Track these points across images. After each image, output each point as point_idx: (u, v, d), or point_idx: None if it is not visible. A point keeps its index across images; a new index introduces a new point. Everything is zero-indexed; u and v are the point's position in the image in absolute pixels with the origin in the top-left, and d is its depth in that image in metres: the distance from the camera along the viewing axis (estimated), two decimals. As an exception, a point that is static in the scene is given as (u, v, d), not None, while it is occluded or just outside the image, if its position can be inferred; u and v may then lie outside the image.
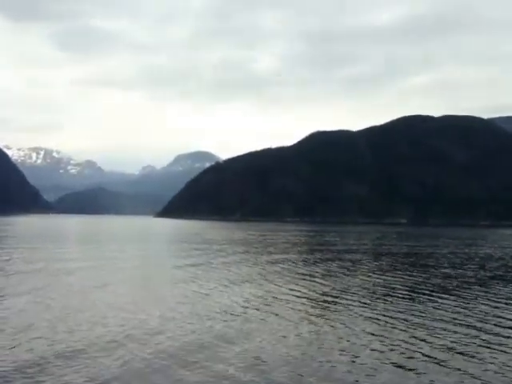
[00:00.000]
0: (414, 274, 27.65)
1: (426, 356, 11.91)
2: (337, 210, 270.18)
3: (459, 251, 46.48)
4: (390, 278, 25.25)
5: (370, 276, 26.10)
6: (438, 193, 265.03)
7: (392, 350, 12.37)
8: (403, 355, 11.96)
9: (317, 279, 24.47)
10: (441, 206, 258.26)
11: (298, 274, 26.65)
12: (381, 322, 15.15)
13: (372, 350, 12.36)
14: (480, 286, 23.29)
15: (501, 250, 50.41)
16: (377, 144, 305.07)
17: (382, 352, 12.17)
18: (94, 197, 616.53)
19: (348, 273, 27.38)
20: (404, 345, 12.77)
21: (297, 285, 22.40)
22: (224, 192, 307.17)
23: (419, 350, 12.33)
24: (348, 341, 13.07)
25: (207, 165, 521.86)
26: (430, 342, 13.05)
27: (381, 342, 13.05)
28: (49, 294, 18.74)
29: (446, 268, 30.93)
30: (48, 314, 15.41)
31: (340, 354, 11.99)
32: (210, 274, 25.79)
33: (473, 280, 25.33)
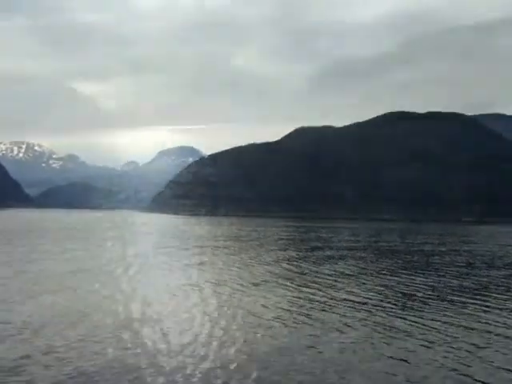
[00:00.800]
0: (430, 273, 27.12)
1: (489, 364, 11.29)
2: (322, 206, 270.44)
3: (460, 248, 46.25)
4: (407, 278, 24.61)
5: (385, 275, 25.51)
6: (421, 189, 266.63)
7: (448, 357, 11.72)
8: (462, 363, 11.30)
9: (336, 279, 23.77)
10: (424, 203, 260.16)
11: (312, 272, 25.98)
12: (425, 327, 14.47)
13: (427, 357, 11.70)
14: (505, 286, 22.84)
15: (499, 247, 50.34)
16: (361, 140, 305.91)
17: (438, 359, 11.52)
18: (77, 191, 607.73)
19: (363, 272, 26.77)
20: (458, 352, 12.11)
21: (320, 285, 21.66)
22: (209, 187, 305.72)
23: (479, 357, 11.71)
24: (400, 348, 12.37)
25: (191, 160, 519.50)
26: (489, 349, 12.43)
27: (433, 348, 12.40)
28: (54, 300, 17.43)
29: (457, 267, 30.47)
30: (58, 322, 14.35)
31: (395, 362, 11.31)
32: (223, 274, 24.86)
33: (492, 279, 24.89)
